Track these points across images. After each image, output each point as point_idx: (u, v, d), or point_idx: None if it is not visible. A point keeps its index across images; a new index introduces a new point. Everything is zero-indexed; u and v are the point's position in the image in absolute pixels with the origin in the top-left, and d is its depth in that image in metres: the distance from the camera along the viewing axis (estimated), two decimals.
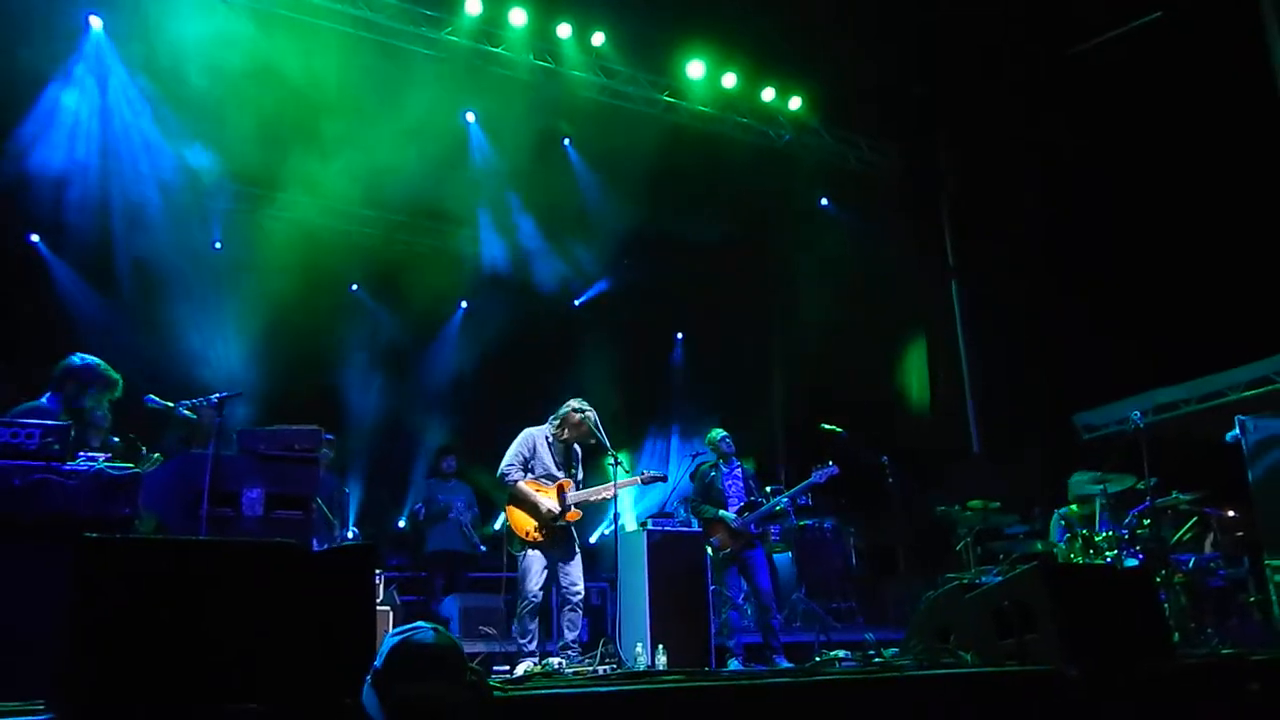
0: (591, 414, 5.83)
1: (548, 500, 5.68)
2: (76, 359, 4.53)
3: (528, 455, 5.80)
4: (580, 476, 5.96)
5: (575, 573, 5.67)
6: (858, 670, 3.89)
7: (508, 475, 5.74)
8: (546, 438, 5.88)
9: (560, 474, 5.83)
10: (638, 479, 6.06)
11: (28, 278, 9.07)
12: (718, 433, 7.15)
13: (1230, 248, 8.47)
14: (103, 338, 8.35)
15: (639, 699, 2.95)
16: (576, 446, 5.99)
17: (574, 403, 5.89)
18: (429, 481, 9.12)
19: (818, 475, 6.83)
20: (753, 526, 6.71)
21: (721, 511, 6.76)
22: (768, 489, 7.07)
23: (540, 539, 5.60)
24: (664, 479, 6.43)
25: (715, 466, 7.04)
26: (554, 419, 5.91)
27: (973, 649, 3.99)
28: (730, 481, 6.95)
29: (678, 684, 3.21)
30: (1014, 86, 9.81)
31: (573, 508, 5.72)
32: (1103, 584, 4.08)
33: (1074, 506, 6.93)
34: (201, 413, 5.52)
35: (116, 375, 4.61)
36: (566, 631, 5.55)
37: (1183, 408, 9.61)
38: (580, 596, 5.65)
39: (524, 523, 5.63)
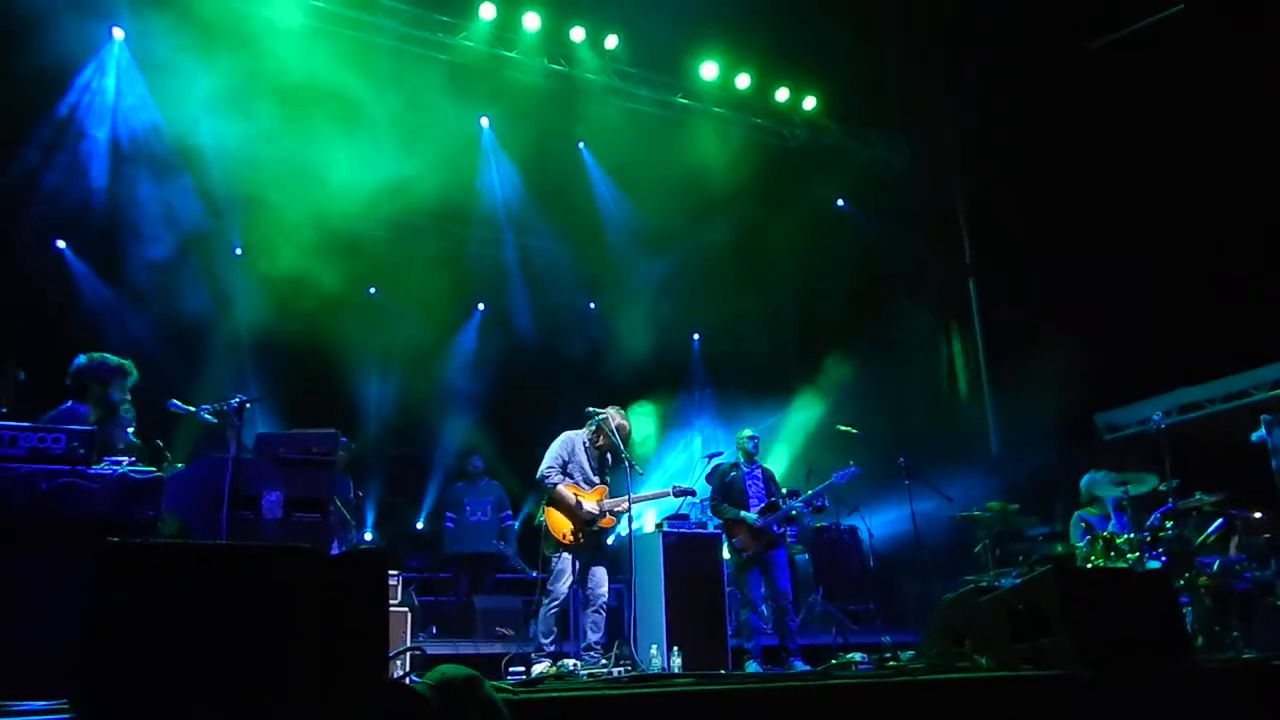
0: (626, 423, 5.83)
1: (588, 503, 5.70)
2: (83, 359, 4.48)
3: (566, 458, 5.79)
4: (609, 483, 5.96)
5: (601, 575, 5.71)
6: (870, 674, 3.88)
7: (548, 478, 5.72)
8: (584, 442, 5.88)
9: (596, 479, 5.85)
10: (669, 492, 6.08)
11: (55, 285, 9.22)
12: (745, 433, 7.08)
13: (1254, 245, 8.35)
14: (125, 344, 8.50)
15: (650, 702, 2.96)
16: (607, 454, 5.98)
17: (612, 410, 5.86)
18: (457, 486, 9.02)
19: (839, 476, 6.76)
20: (774, 527, 6.64)
21: (743, 512, 6.69)
22: (784, 490, 7.01)
23: (575, 542, 5.62)
24: (693, 493, 6.47)
25: (736, 467, 6.96)
26: (591, 424, 5.87)
27: (987, 652, 3.96)
28: (751, 482, 6.88)
29: (689, 687, 3.21)
30: (1030, 82, 9.71)
31: (609, 514, 5.75)
32: (1119, 587, 4.02)
33: (1092, 507, 6.86)
34: (222, 417, 5.63)
35: (124, 360, 4.59)
36: (590, 632, 5.57)
37: (1207, 407, 9.46)
38: (605, 599, 5.67)
39: (561, 524, 5.64)
